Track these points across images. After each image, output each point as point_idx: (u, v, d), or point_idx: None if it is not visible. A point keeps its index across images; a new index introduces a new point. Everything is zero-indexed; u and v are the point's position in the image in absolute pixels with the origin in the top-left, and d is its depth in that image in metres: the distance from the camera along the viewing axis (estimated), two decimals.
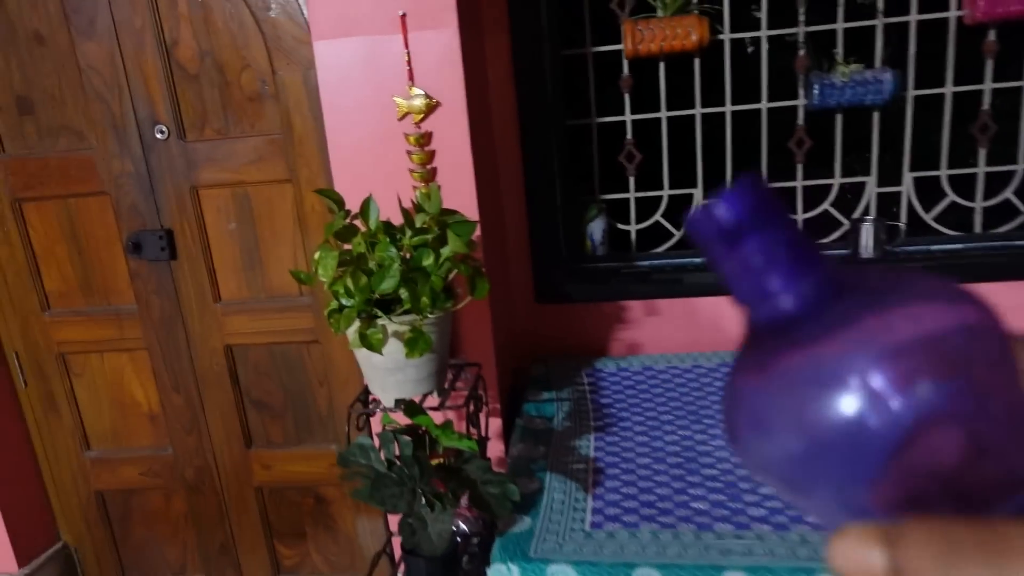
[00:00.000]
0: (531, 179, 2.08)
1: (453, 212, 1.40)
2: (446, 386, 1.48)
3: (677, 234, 2.18)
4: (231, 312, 2.04)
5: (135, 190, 1.97)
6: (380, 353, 1.25)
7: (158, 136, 1.92)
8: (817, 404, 0.25)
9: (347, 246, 1.36)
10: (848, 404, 0.24)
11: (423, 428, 1.35)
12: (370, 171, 1.64)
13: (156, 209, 1.97)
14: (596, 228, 2.19)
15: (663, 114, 2.13)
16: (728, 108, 2.11)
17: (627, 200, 2.19)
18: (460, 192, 1.63)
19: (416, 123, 1.60)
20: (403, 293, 1.29)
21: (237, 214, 1.97)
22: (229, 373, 2.08)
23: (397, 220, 1.40)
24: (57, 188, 2.00)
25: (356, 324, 1.28)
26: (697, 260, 2.13)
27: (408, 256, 1.33)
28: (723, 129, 2.13)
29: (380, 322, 1.29)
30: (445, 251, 1.32)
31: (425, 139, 1.62)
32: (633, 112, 2.13)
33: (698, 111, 2.12)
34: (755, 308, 0.28)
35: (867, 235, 1.96)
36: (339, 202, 1.36)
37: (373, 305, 1.29)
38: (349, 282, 1.27)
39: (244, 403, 2.12)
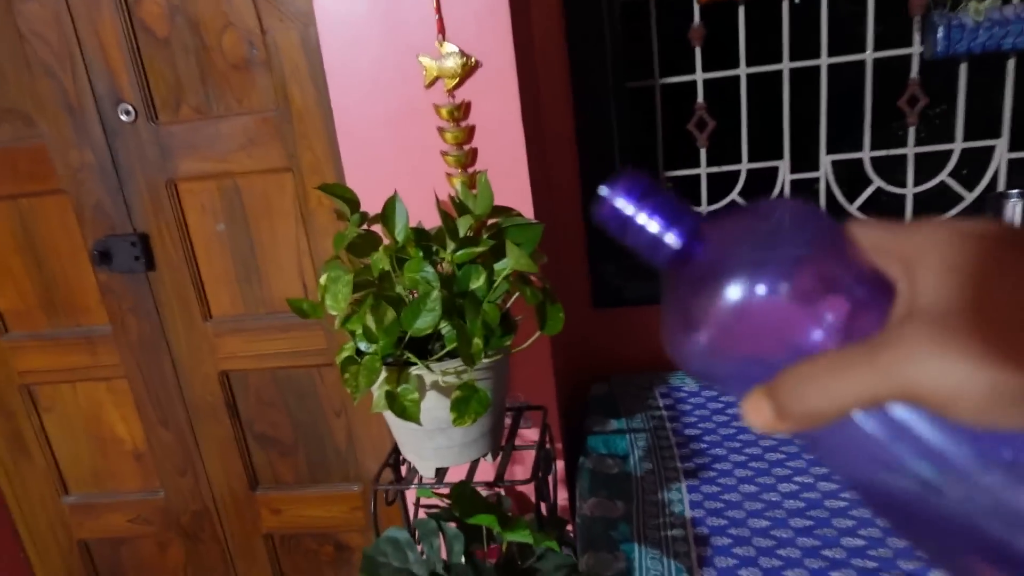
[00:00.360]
0: (585, 154, 1.70)
1: (507, 210, 1.02)
2: (503, 442, 1.11)
3: None
4: (224, 332, 1.67)
5: (99, 186, 1.59)
6: (418, 422, 0.88)
7: (123, 118, 1.54)
8: (745, 322, 0.28)
9: (365, 260, 0.99)
10: (793, 322, 0.28)
11: None
12: (390, 155, 1.26)
13: (127, 209, 1.60)
14: None
15: (742, 71, 1.75)
16: (824, 60, 1.71)
17: (698, 176, 1.81)
18: (508, 180, 1.25)
19: (449, 91, 1.21)
20: (445, 329, 0.92)
21: (226, 213, 1.60)
22: (226, 404, 1.72)
23: (429, 222, 1.02)
24: (5, 187, 1.63)
25: (382, 376, 0.91)
26: None
27: (451, 275, 0.96)
28: (815, 87, 1.73)
29: (414, 371, 0.92)
30: (501, 267, 0.95)
31: (461, 111, 1.23)
32: (705, 70, 1.74)
33: (786, 65, 1.73)
34: (656, 256, 0.31)
35: (1014, 212, 1.56)
36: (352, 202, 0.99)
37: (404, 347, 0.92)
38: (369, 319, 0.89)
39: (246, 438, 1.77)
